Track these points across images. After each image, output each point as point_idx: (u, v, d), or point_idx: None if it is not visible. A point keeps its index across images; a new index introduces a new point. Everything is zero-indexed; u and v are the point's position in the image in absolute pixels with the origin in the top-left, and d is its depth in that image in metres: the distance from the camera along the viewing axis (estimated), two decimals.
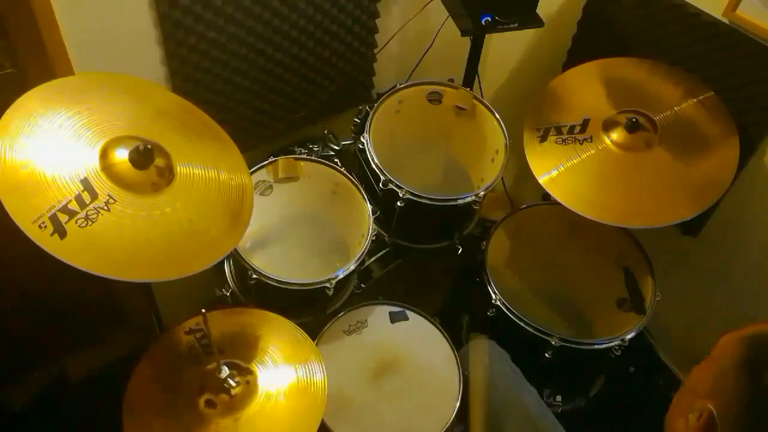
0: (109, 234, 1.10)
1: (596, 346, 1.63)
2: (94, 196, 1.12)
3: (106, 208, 1.12)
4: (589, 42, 1.96)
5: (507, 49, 2.25)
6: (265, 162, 1.68)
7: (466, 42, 1.86)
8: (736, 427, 0.88)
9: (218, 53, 1.65)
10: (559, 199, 1.55)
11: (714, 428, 0.88)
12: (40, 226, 1.04)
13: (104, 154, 1.17)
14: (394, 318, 1.67)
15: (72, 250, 1.05)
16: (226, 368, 1.29)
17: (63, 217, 1.07)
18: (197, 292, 1.68)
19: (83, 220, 1.09)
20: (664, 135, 1.58)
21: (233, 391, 1.29)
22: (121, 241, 1.12)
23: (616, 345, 1.64)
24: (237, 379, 1.30)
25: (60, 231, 1.05)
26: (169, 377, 1.33)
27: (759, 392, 0.88)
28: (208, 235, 1.24)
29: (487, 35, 1.86)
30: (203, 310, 1.23)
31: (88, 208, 1.10)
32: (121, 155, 1.19)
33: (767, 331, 0.92)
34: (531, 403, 1.43)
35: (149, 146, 1.20)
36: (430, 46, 2.07)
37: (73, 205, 1.09)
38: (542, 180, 1.58)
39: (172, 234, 1.19)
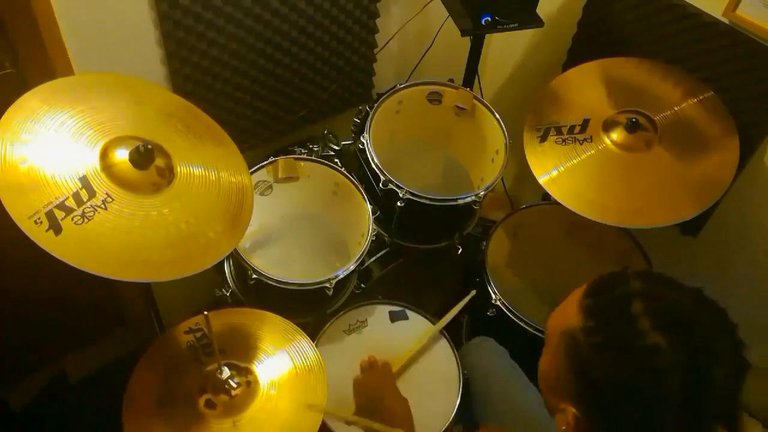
0: (104, 232, 1.10)
1: None
2: (92, 194, 1.11)
3: (103, 206, 1.12)
4: (589, 42, 1.95)
5: (507, 49, 2.25)
6: (265, 162, 1.68)
7: (466, 42, 1.86)
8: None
9: (218, 53, 1.65)
10: (559, 199, 1.55)
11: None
12: (35, 222, 1.04)
13: (104, 154, 1.17)
14: (394, 318, 1.67)
15: (66, 247, 1.04)
16: (227, 369, 1.28)
17: (59, 214, 1.07)
18: (197, 292, 1.68)
19: (79, 217, 1.08)
20: (664, 135, 1.58)
21: (233, 392, 1.28)
22: (117, 240, 1.11)
23: None
24: (237, 379, 1.30)
25: (55, 227, 1.05)
26: (168, 377, 1.32)
27: (597, 396, 0.82)
28: (205, 237, 1.23)
29: (487, 35, 1.86)
30: (205, 312, 1.23)
31: (85, 206, 1.10)
32: (121, 155, 1.19)
33: (573, 326, 0.86)
34: (532, 399, 1.43)
35: (149, 146, 1.20)
36: (430, 46, 2.07)
37: (70, 202, 1.09)
38: (542, 180, 1.58)
39: (169, 235, 1.18)
